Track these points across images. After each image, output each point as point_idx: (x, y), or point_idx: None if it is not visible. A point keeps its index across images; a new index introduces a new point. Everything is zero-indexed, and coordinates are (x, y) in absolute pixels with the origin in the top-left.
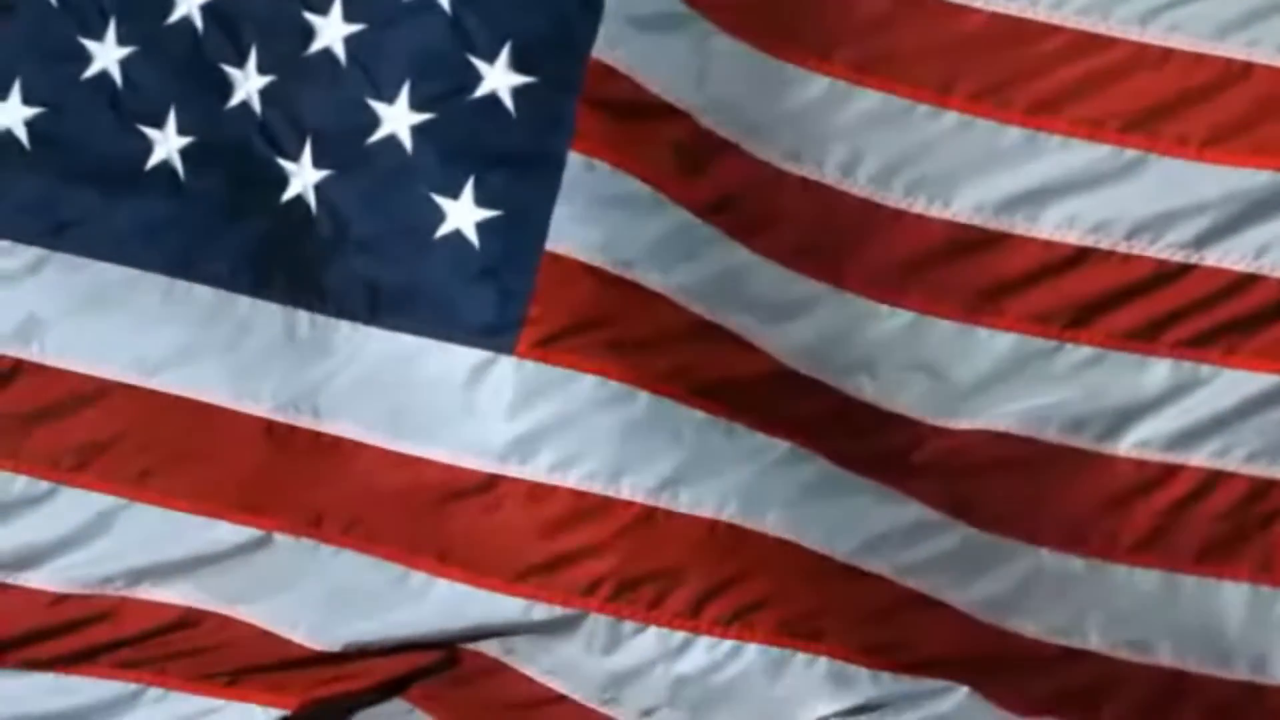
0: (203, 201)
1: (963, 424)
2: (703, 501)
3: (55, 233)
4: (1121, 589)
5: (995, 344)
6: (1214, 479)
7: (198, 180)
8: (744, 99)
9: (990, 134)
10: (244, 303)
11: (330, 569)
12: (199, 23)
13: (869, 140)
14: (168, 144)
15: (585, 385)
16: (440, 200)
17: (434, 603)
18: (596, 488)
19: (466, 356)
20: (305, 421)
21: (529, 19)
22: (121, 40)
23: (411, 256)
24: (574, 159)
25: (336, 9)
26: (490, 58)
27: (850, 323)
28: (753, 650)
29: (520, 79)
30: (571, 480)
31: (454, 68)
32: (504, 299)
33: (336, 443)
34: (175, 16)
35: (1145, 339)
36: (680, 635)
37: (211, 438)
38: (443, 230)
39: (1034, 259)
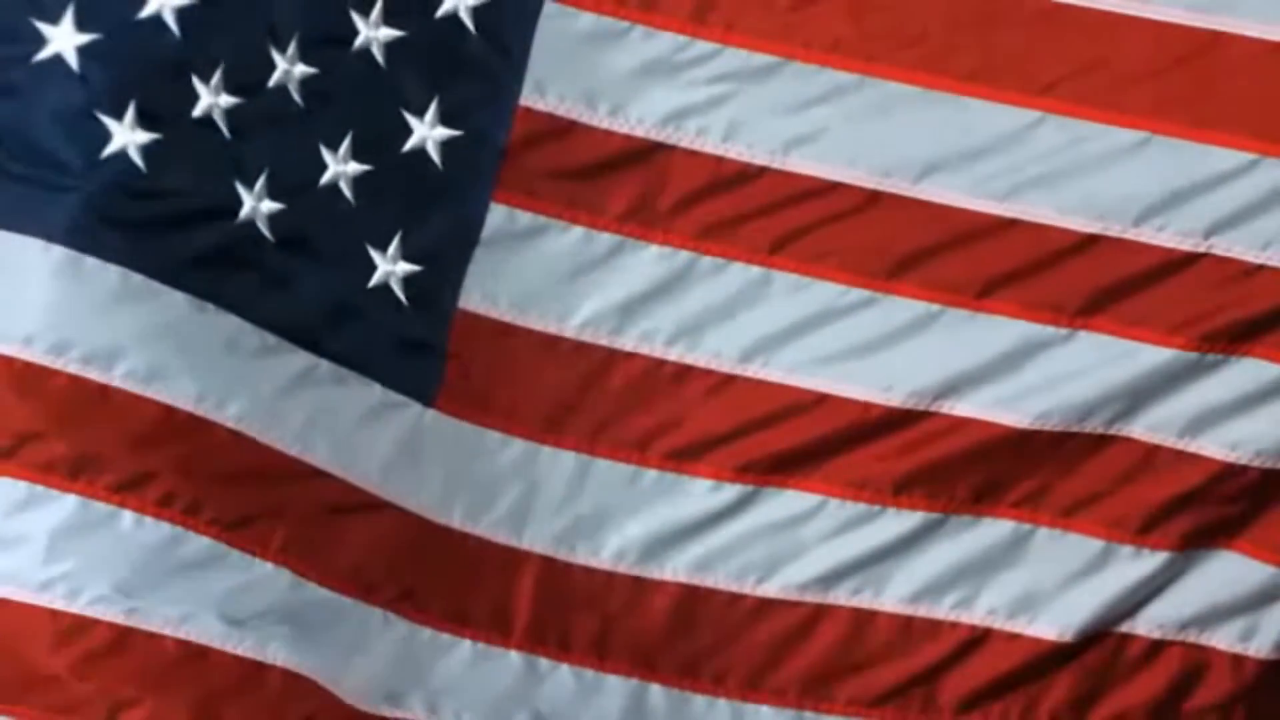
0: (158, 200)
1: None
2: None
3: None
4: None
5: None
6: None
7: (157, 179)
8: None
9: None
10: (190, 302)
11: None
12: (174, 26)
13: (865, 131)
14: (125, 136)
15: (493, 441)
16: (373, 252)
17: None
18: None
19: (392, 402)
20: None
21: (456, 72)
22: (81, 27)
23: (349, 303)
24: (496, 210)
25: (293, 49)
26: (420, 112)
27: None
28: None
29: (447, 132)
30: (480, 529)
31: (388, 120)
32: (424, 354)
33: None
34: (146, 13)
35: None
36: (590, 673)
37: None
38: (374, 281)
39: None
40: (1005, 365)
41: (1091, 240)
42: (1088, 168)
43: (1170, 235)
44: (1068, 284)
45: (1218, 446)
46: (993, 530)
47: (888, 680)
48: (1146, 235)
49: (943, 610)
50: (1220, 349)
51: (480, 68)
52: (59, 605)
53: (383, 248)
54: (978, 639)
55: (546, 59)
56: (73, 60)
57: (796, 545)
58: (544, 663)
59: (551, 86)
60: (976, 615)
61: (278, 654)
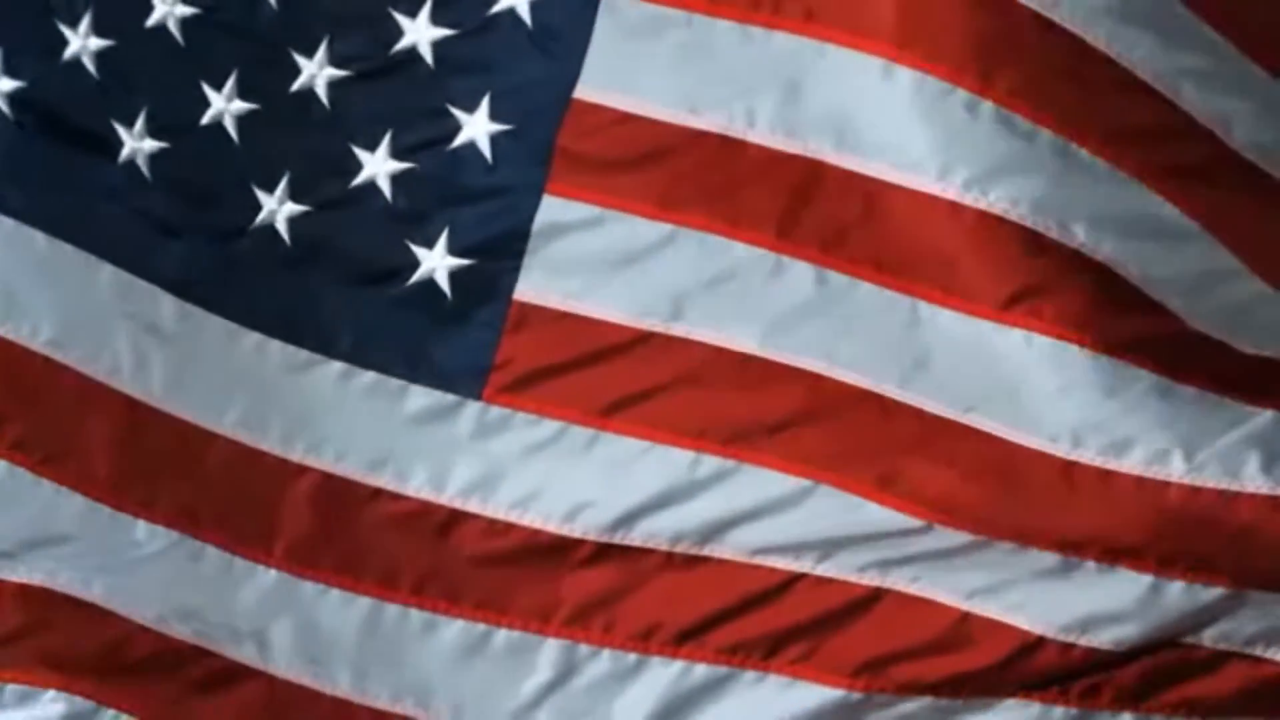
0: (164, 206)
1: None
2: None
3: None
4: None
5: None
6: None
7: (164, 185)
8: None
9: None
10: (197, 313)
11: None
12: (178, 35)
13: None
14: (133, 143)
15: (548, 429)
16: (415, 248)
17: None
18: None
19: (435, 399)
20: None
21: (510, 67)
22: (98, 32)
23: (384, 301)
24: (549, 201)
25: (321, 54)
26: (470, 107)
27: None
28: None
29: (498, 126)
30: (529, 519)
31: (434, 117)
32: (473, 347)
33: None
34: (153, 20)
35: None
36: (633, 656)
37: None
38: (416, 277)
39: None
40: None
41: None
42: None
43: None
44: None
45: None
46: (1041, 559)
47: (944, 669)
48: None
49: (995, 611)
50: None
51: (535, 61)
52: None
53: (427, 244)
54: (1032, 644)
55: (604, 50)
56: (90, 65)
57: (854, 533)
58: (583, 649)
59: (608, 78)
60: (1029, 621)
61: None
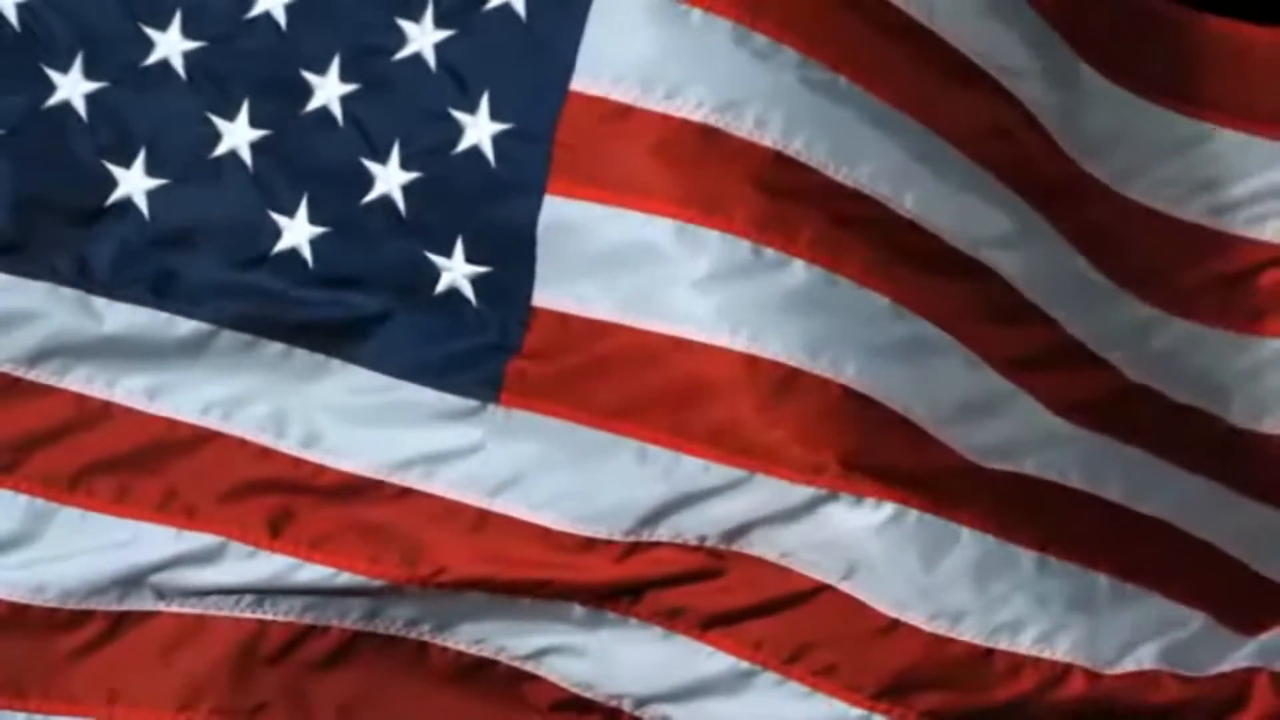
0: (171, 239)
1: None
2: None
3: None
4: None
5: None
6: None
7: (166, 220)
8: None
9: None
10: (226, 336)
11: None
12: (181, 71)
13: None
14: (132, 182)
15: (565, 430)
16: (435, 259)
17: None
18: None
19: (456, 404)
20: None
21: (507, 63)
22: (89, 75)
23: (409, 311)
24: (551, 201)
25: (334, 69)
26: (471, 109)
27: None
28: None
29: (498, 126)
30: (547, 520)
31: (437, 122)
32: (493, 353)
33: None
34: (153, 58)
35: None
36: (659, 629)
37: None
38: (440, 288)
39: None
40: None
41: None
42: None
43: None
44: None
45: None
46: (1060, 570)
47: (969, 703)
48: None
49: (1024, 646)
50: None
51: (531, 55)
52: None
53: (446, 254)
54: (1060, 674)
55: (600, 41)
56: (81, 108)
57: (870, 552)
58: (610, 615)
59: (605, 70)
60: (1059, 652)
61: None
